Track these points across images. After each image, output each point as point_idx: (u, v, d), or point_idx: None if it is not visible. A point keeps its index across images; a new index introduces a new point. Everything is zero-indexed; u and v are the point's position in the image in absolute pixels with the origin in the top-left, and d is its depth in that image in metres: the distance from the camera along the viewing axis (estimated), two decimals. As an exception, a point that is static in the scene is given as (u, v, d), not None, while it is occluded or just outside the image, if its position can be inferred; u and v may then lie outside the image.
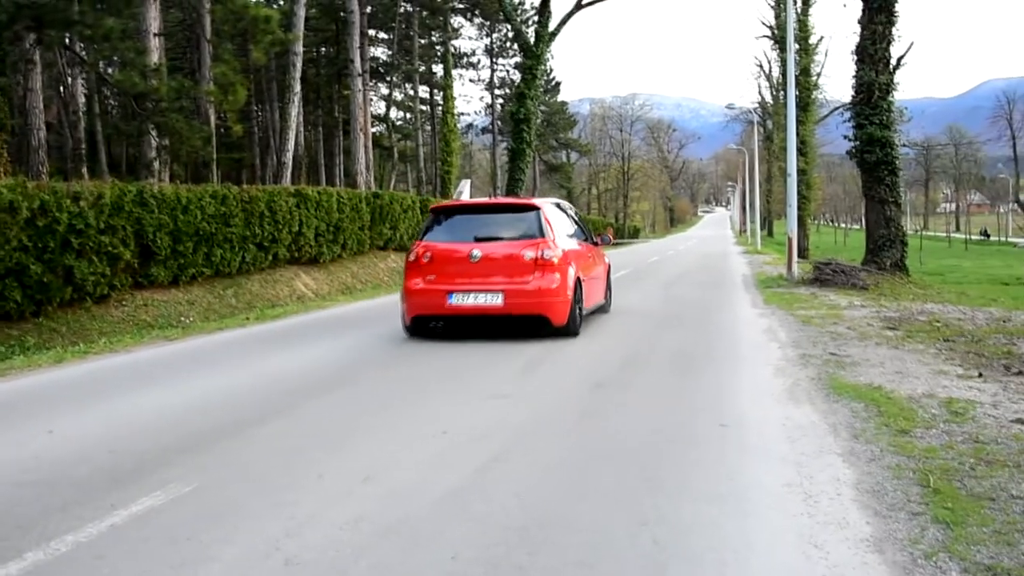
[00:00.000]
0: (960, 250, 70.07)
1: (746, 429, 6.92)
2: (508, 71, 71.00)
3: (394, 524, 4.83)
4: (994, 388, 8.34)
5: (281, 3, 43.81)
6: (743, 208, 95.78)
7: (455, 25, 62.30)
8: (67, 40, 21.58)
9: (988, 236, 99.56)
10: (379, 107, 59.13)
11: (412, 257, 12.59)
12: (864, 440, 6.48)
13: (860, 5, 22.74)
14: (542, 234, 12.31)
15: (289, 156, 28.37)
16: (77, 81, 33.52)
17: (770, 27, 55.68)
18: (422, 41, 57.07)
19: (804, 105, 45.45)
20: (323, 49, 54.48)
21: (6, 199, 12.85)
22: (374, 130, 50.88)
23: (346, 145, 45.77)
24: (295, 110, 29.11)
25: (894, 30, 22.53)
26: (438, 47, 59.18)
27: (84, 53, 26.81)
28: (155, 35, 21.63)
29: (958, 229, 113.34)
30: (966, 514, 4.86)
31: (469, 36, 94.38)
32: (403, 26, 52.92)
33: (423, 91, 60.78)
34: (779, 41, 49.39)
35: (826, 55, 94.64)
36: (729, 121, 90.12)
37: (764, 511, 4.99)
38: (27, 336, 13.29)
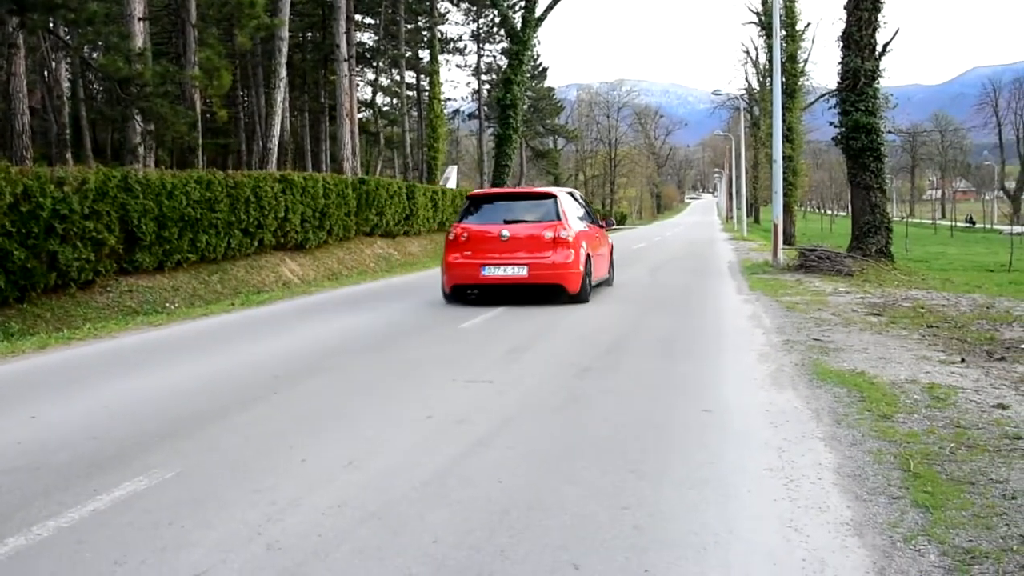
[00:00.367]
0: (945, 237, 70.27)
1: (729, 415, 6.94)
2: (495, 57, 70.88)
3: (376, 509, 4.83)
4: (976, 373, 8.39)
5: (266, -13, 43.59)
6: (730, 195, 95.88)
7: (441, 10, 62.13)
8: (51, 24, 21.40)
9: (973, 223, 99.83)
10: (365, 92, 58.94)
11: (451, 236, 14.95)
12: (846, 425, 6.51)
13: (846, -8, 22.77)
14: (559, 217, 14.81)
15: (275, 142, 28.25)
16: (61, 66, 33.32)
17: (757, 13, 55.65)
18: (408, 26, 56.82)
19: (791, 92, 45.45)
20: (309, 34, 54.19)
21: (-11, 184, 12.78)
22: (360, 116, 50.72)
23: (332, 131, 45.62)
24: (281, 95, 28.98)
25: (880, 17, 22.56)
26: (424, 32, 58.93)
27: (68, 37, 26.63)
28: (139, 19, 21.50)
29: (944, 216, 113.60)
30: (946, 498, 4.89)
31: (456, 21, 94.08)
32: (389, 11, 52.69)
33: (409, 77, 60.55)
34: (766, 27, 49.33)
35: (813, 42, 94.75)
36: (716, 108, 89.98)
37: (745, 496, 5.02)
38: (11, 322, 13.23)
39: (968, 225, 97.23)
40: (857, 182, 22.95)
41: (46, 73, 34.35)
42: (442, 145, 52.19)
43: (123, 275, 15.99)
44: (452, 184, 54.09)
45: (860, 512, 4.73)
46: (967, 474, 5.31)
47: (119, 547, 4.38)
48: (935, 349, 9.91)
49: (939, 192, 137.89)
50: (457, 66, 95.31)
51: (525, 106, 51.31)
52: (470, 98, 75.16)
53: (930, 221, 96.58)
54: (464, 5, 65.14)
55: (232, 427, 6.79)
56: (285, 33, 28.21)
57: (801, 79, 50.01)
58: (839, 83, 23.39)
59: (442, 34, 64.08)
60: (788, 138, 42.84)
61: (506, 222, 14.81)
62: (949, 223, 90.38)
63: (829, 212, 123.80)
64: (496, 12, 51.75)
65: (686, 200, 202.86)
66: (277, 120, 28.42)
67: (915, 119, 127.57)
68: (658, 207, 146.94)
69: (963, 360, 9.12)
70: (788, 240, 37.27)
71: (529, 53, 40.58)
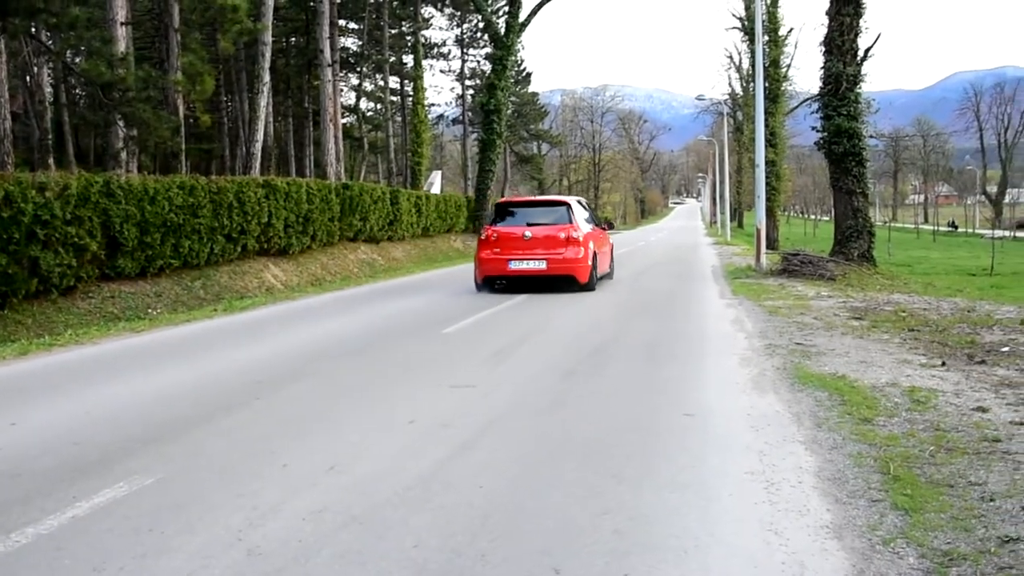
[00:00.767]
0: (928, 241, 70.64)
1: (711, 418, 6.97)
2: (479, 62, 70.72)
3: (358, 513, 4.84)
4: (956, 377, 8.43)
5: (250, -8, 43.53)
6: (714, 199, 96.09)
7: (425, 15, 61.96)
8: (32, 28, 21.33)
9: (956, 227, 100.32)
10: (349, 98, 58.81)
11: (483, 236, 18.18)
12: (827, 429, 6.54)
13: (828, -3, 22.87)
14: (571, 221, 17.86)
15: (258, 147, 28.16)
16: (43, 70, 33.15)
17: (740, 19, 55.73)
18: (392, 31, 56.66)
19: (774, 96, 45.59)
20: (293, 39, 54.06)
21: (-30, 190, 12.73)
22: (344, 121, 50.62)
23: (316, 136, 45.56)
24: (264, 100, 28.91)
25: (861, 22, 22.65)
26: (408, 37, 58.75)
27: (50, 42, 26.54)
28: (122, 24, 21.40)
29: (926, 220, 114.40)
30: (925, 500, 4.92)
31: (440, 26, 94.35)
32: (373, 16, 52.58)
33: (393, 82, 60.36)
34: (749, 33, 49.49)
35: (796, 47, 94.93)
36: (700, 112, 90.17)
37: (726, 499, 5.04)
38: (-8, 328, 13.17)
39: (950, 229, 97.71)
40: (839, 187, 23.02)
41: (28, 78, 34.15)
42: (426, 150, 52.10)
43: (105, 281, 15.92)
44: (436, 189, 54.10)
45: (840, 515, 4.75)
46: (946, 477, 5.35)
47: (98, 554, 4.37)
48: (916, 353, 9.96)
49: (921, 196, 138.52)
50: (441, 71, 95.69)
51: (509, 111, 51.26)
52: (454, 103, 75.03)
53: (913, 225, 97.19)
54: (448, 10, 64.96)
55: (214, 432, 6.78)
56: (268, 38, 28.14)
57: (784, 84, 50.15)
58: (821, 88, 23.46)
59: (426, 39, 63.99)
60: (771, 143, 42.96)
61: (528, 224, 17.85)
62: (931, 227, 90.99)
63: (812, 216, 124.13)
64: (480, 17, 51.76)
65: (670, 205, 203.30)
66: (260, 125, 28.34)
67: (897, 124, 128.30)
68: (642, 212, 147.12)
69: (944, 363, 9.17)
70: (771, 244, 37.37)
71: (513, 58, 40.66)
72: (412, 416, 7.07)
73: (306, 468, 5.72)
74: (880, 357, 9.67)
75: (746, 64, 61.47)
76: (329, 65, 33.56)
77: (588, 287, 17.80)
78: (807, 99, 50.70)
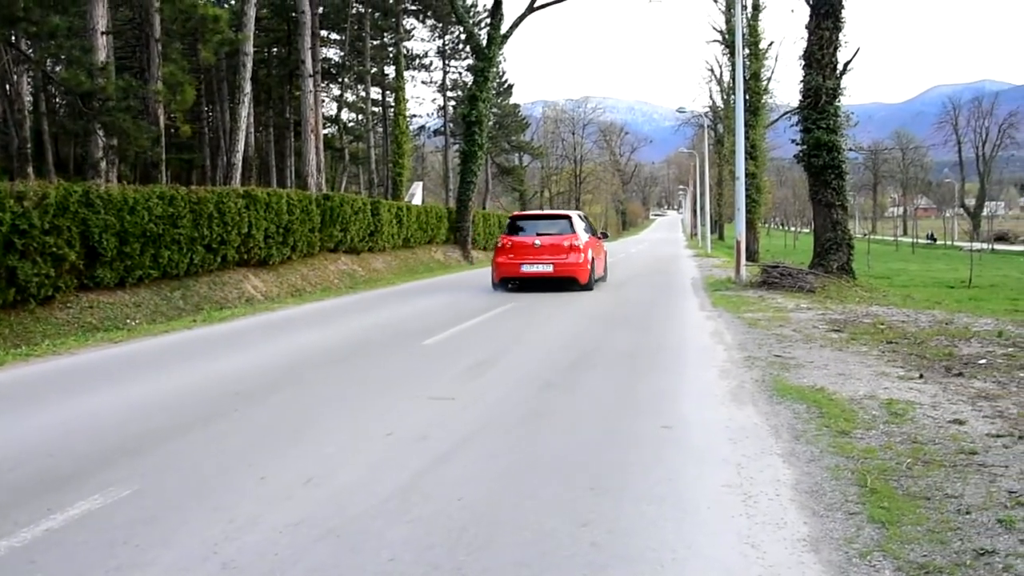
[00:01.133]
0: (907, 254, 70.92)
1: (689, 431, 6.97)
2: (460, 73, 70.92)
3: (335, 526, 4.82)
4: (934, 389, 8.47)
5: (231, 2, 43.49)
6: (694, 211, 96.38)
7: (407, 27, 62.01)
8: (12, 37, 21.24)
9: (934, 240, 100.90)
10: (331, 108, 58.71)
11: (500, 244, 21.57)
12: (805, 441, 6.56)
13: (808, 11, 22.97)
14: (573, 231, 21.00)
15: (239, 157, 28.10)
16: (23, 79, 32.95)
17: (721, 32, 56.02)
18: (374, 42, 56.70)
19: (754, 109, 45.77)
20: (274, 49, 53.97)
21: (-53, 199, 12.64)
22: (325, 131, 50.50)
23: (297, 146, 45.43)
24: (245, 111, 28.86)
25: (841, 36, 22.75)
26: (390, 49, 58.80)
27: (30, 50, 26.46)
28: (102, 33, 21.32)
29: (905, 233, 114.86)
30: (901, 513, 4.93)
31: (421, 38, 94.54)
32: (355, 27, 52.57)
33: (375, 93, 60.36)
34: (729, 46, 49.63)
35: (776, 60, 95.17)
36: (681, 125, 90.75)
37: (703, 512, 5.04)
38: (-32, 338, 13.08)
39: (929, 242, 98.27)
40: (819, 199, 23.10)
41: (7, 86, 33.96)
42: (407, 161, 52.14)
43: (84, 291, 15.83)
44: (417, 200, 54.06)
45: (817, 528, 4.76)
46: (923, 489, 5.36)
47: (72, 566, 4.35)
48: (894, 365, 9.99)
49: (900, 209, 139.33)
50: (423, 82, 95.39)
51: (491, 123, 51.37)
52: (435, 114, 75.19)
53: (892, 238, 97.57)
54: (430, 22, 65.02)
55: (191, 444, 6.74)
56: (250, 48, 28.12)
57: (764, 97, 50.34)
58: (801, 101, 23.55)
59: (408, 50, 64.07)
60: (751, 155, 43.11)
61: (537, 234, 21.07)
62: (910, 240, 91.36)
63: (792, 229, 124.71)
64: (462, 29, 51.82)
65: (651, 217, 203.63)
66: (241, 135, 28.29)
67: (877, 137, 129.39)
68: (623, 224, 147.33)
69: (921, 376, 9.21)
70: (751, 257, 37.50)
71: (494, 70, 40.61)
72: (390, 428, 7.05)
73: (283, 480, 5.69)
74: (858, 369, 9.70)
75: (727, 77, 61.85)
76: (311, 76, 33.52)
77: (587, 287, 21.02)
78: (787, 112, 50.71)
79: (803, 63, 23.11)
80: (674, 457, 6.23)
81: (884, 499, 5.17)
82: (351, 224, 28.75)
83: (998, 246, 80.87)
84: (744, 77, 29.50)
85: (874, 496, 5.23)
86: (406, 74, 57.21)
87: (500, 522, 4.87)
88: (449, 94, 69.98)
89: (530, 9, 39.01)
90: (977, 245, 64.02)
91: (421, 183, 64.77)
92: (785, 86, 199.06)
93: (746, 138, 30.99)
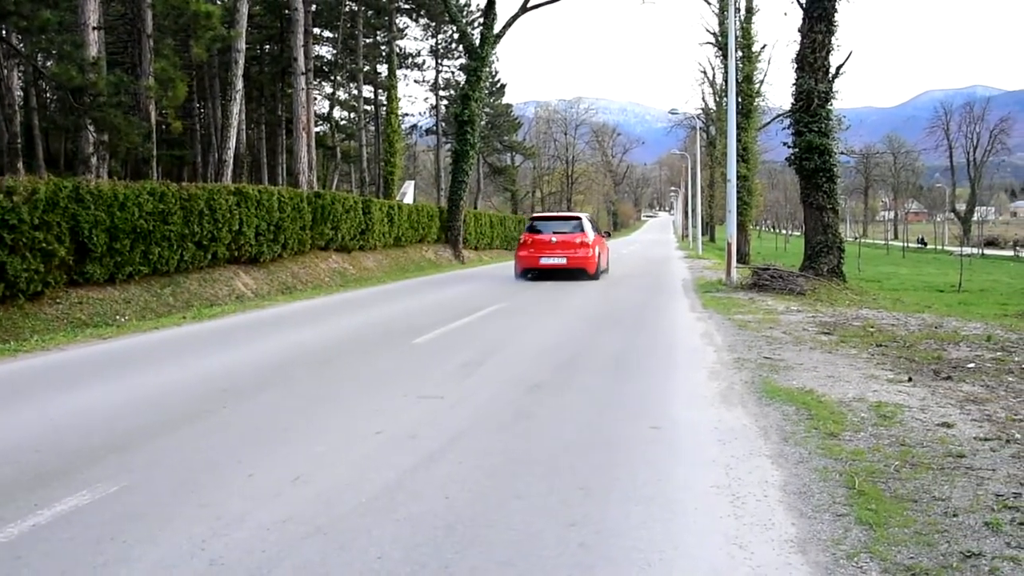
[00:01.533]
0: (897, 257, 71.17)
1: (678, 432, 6.98)
2: (453, 72, 70.84)
3: (322, 524, 4.81)
4: (923, 392, 8.49)
5: (224, -1, 43.41)
6: (686, 213, 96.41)
7: (400, 25, 62.02)
8: (2, 31, 21.17)
9: (925, 244, 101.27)
10: (323, 106, 58.73)
11: (521, 241, 25.42)
12: (793, 443, 6.56)
13: (801, 14, 23.02)
14: (583, 230, 24.81)
15: (231, 154, 28.07)
16: (13, 73, 32.89)
17: (714, 34, 55.99)
18: (367, 40, 56.64)
19: (746, 112, 45.79)
20: (267, 47, 53.87)
21: (-64, 193, 12.59)
22: (317, 129, 50.50)
23: (289, 144, 45.41)
24: (237, 108, 28.82)
25: (833, 39, 22.83)
26: (383, 47, 58.74)
27: (20, 45, 26.36)
28: (94, 28, 21.26)
29: (896, 237, 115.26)
30: (889, 515, 4.94)
31: (414, 37, 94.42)
32: (348, 25, 52.49)
33: (367, 91, 60.26)
34: (722, 48, 49.67)
35: (769, 63, 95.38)
36: (673, 126, 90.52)
37: (691, 513, 5.04)
38: (-44, 333, 13.03)
39: (920, 246, 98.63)
40: (810, 202, 23.16)
41: (-2, 81, 33.94)
42: (399, 160, 52.05)
43: (73, 287, 15.78)
44: (409, 199, 53.97)
45: (805, 529, 4.77)
46: (911, 492, 5.37)
47: (58, 563, 4.33)
48: (883, 368, 10.01)
49: (892, 213, 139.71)
50: (415, 81, 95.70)
51: (483, 122, 51.35)
52: (428, 113, 75.07)
53: (883, 242, 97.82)
54: (423, 21, 64.98)
55: (179, 441, 6.72)
56: (242, 45, 28.07)
57: (757, 100, 50.33)
58: (793, 104, 23.62)
59: (400, 49, 64.00)
60: (743, 158, 43.14)
61: (553, 232, 24.73)
62: (901, 244, 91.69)
63: (783, 231, 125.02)
64: (455, 28, 51.81)
65: (643, 218, 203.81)
66: (233, 132, 28.26)
67: (869, 141, 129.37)
68: (615, 225, 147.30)
69: (910, 379, 9.23)
70: (742, 259, 37.55)
71: (487, 69, 40.65)
72: (380, 427, 7.04)
73: (271, 478, 5.68)
74: (848, 372, 9.72)
75: (719, 79, 61.79)
76: (303, 73, 33.49)
77: (594, 277, 24.83)
78: (779, 115, 50.83)
79: (796, 66, 23.18)
80: (662, 458, 6.23)
81: (872, 501, 5.18)
82: (342, 222, 28.71)
83: (988, 251, 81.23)
84: (737, 79, 29.58)
85: (862, 498, 5.24)
86: (399, 73, 57.12)
87: (488, 522, 4.86)
88: (442, 93, 70.00)
89: (523, 9, 38.99)
90: (967, 250, 64.17)
91: (413, 182, 64.70)
92: (778, 89, 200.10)
93: (738, 140, 31.01)
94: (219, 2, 38.47)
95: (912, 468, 5.88)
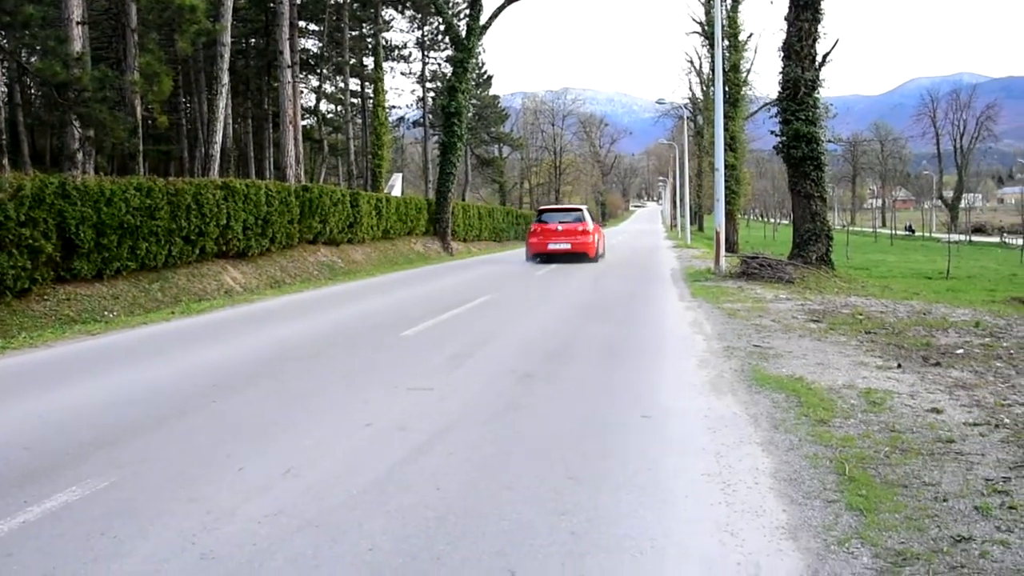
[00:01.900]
0: (886, 245, 71.36)
1: (668, 420, 6.98)
2: (440, 64, 70.55)
3: (313, 517, 4.81)
4: (912, 378, 8.51)
5: (209, -7, 43.14)
6: (674, 203, 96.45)
7: (386, 17, 61.74)
8: (-14, 28, 21.04)
9: (912, 231, 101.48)
10: (309, 99, 58.51)
11: (532, 229, 29.91)
12: (784, 430, 6.57)
13: (787, 2, 23.02)
14: (584, 220, 29.18)
15: (217, 148, 27.92)
16: (-2, 70, 32.80)
17: (700, 23, 55.92)
18: (353, 33, 56.42)
19: (733, 101, 45.78)
20: (252, 40, 53.60)
21: (-79, 190, 12.52)
22: (304, 123, 50.38)
23: (276, 138, 45.21)
24: (223, 102, 28.67)
25: (820, 27, 22.81)
26: (369, 39, 58.48)
27: (4, 40, 26.21)
28: (78, 23, 21.11)
29: (884, 224, 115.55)
30: (879, 501, 4.95)
31: (400, 29, 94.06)
32: (333, 18, 52.27)
33: (354, 84, 60.02)
34: (709, 37, 49.67)
35: (756, 52, 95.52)
36: (661, 116, 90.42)
37: (682, 501, 5.05)
38: (-57, 331, 12.97)
39: (907, 233, 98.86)
40: (798, 190, 23.17)
41: (-18, 78, 33.79)
42: (387, 153, 51.90)
43: (61, 283, 15.72)
44: (397, 192, 53.89)
45: (795, 516, 4.78)
46: (901, 477, 5.39)
47: (49, 559, 4.31)
48: (873, 355, 10.04)
49: (879, 201, 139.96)
50: (402, 73, 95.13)
51: (470, 114, 51.28)
52: (415, 105, 74.86)
53: (871, 229, 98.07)
54: (409, 12, 64.74)
55: (169, 436, 6.70)
56: (227, 39, 27.93)
57: (744, 88, 50.31)
58: (780, 93, 23.59)
59: (387, 41, 63.83)
60: (731, 147, 43.16)
61: (559, 222, 29.17)
62: (889, 231, 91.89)
63: (772, 220, 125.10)
64: (441, 20, 51.68)
65: (631, 208, 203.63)
66: (219, 127, 28.13)
67: (856, 129, 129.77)
68: (603, 215, 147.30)
69: (899, 365, 9.25)
70: (731, 248, 37.56)
71: (474, 61, 40.65)
72: (369, 419, 7.03)
73: (261, 472, 5.67)
74: (837, 359, 9.74)
75: (706, 68, 61.76)
76: (289, 67, 33.37)
77: (594, 260, 28.95)
78: (767, 104, 50.82)
79: (782, 54, 23.17)
80: (653, 446, 6.23)
81: (862, 487, 5.19)
82: (330, 215, 28.64)
83: (976, 238, 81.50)
84: (724, 68, 29.66)
85: (852, 484, 5.25)
86: (385, 65, 56.91)
87: (479, 512, 4.86)
88: (428, 85, 69.73)
89: (509, 0, 38.94)
90: (955, 237, 64.34)
91: (401, 174, 64.63)
92: (765, 78, 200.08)
93: (725, 130, 31.03)
94: (204, -4, 38.25)
95: (902, 454, 5.89)
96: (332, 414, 7.36)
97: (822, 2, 22.68)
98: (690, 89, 74.36)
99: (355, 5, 55.24)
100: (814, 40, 22.73)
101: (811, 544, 4.39)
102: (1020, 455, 5.83)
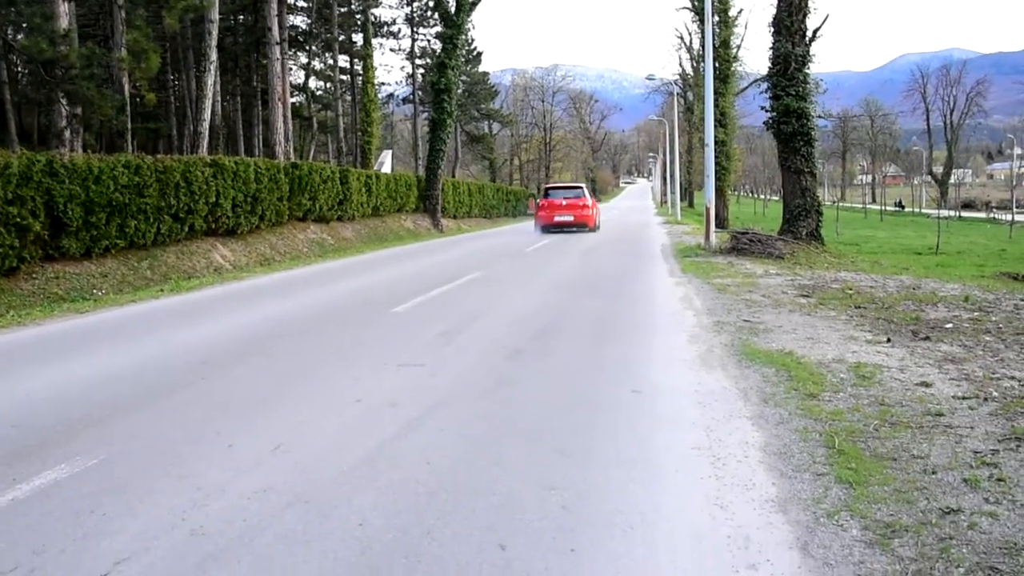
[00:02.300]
0: (876, 221, 71.44)
1: (658, 395, 6.99)
2: (429, 41, 70.17)
3: (303, 493, 4.80)
4: (901, 353, 8.52)
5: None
6: (664, 179, 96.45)
7: (375, -7, 61.57)
8: (-30, 5, 20.88)
9: (902, 207, 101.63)
10: (298, 76, 58.24)
11: (539, 204, 35.23)
12: (773, 404, 6.59)
13: (777, -23, 22.94)
14: (585, 195, 34.59)
15: (206, 126, 27.80)
16: (-16, 47, 32.54)
17: (690, -1, 55.85)
18: (341, 9, 56.10)
19: (724, 77, 45.69)
20: (241, 17, 53.20)
21: (-93, 168, 12.44)
22: (293, 100, 50.16)
23: (265, 115, 45.09)
24: (211, 79, 28.51)
25: (810, 2, 22.75)
26: (358, 16, 58.16)
27: (-10, 18, 26.00)
28: (64, 0, 21.03)
29: (874, 200, 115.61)
30: (869, 474, 4.97)
31: (389, 5, 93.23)
32: (322, -6, 52.14)
33: (343, 60, 59.72)
34: (699, 13, 49.48)
35: (746, 27, 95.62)
36: (651, 92, 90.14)
37: (672, 475, 5.06)
38: (-69, 309, 12.93)
39: (897, 209, 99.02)
40: (788, 166, 23.16)
41: (-32, 55, 33.50)
42: (376, 130, 51.75)
43: (49, 262, 15.66)
44: (387, 169, 53.72)
45: (785, 489, 4.79)
46: (890, 450, 5.40)
47: (38, 536, 4.30)
48: (862, 329, 10.06)
49: (869, 176, 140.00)
50: (391, 50, 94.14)
51: (460, 91, 51.04)
52: (404, 82, 74.39)
53: (861, 205, 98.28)
54: (398, -12, 64.53)
55: (158, 413, 6.69)
56: (215, 15, 27.74)
57: (734, 64, 50.18)
58: (771, 68, 23.53)
59: (376, 18, 63.39)
60: (721, 123, 43.14)
61: (564, 197, 34.19)
62: (879, 207, 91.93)
63: (762, 196, 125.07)
64: (430, -4, 51.41)
65: (621, 185, 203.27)
66: (208, 104, 27.98)
67: (846, 104, 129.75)
68: (593, 191, 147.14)
69: (889, 340, 9.27)
70: (721, 224, 37.60)
71: (463, 37, 40.39)
72: (359, 396, 7.03)
73: (251, 448, 5.66)
74: (827, 334, 9.76)
75: (696, 44, 61.64)
76: (278, 43, 33.23)
77: (594, 230, 33.98)
78: (757, 79, 50.78)
79: (772, 30, 23.10)
80: (643, 421, 6.24)
81: (852, 460, 5.20)
82: (320, 193, 28.56)
83: (965, 213, 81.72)
84: (714, 44, 29.59)
85: (842, 457, 5.26)
86: (374, 42, 56.59)
87: (469, 487, 4.86)
88: (418, 62, 69.41)
89: (499, -25, 38.76)
90: (944, 212, 64.53)
91: (390, 151, 64.35)
92: (755, 54, 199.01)
93: (716, 106, 31.07)
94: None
95: (891, 427, 5.91)
96: (322, 390, 7.35)
97: (812, -23, 22.61)
98: (680, 65, 74.14)
99: (344, -19, 54.95)
100: (804, 15, 22.67)
101: (800, 517, 4.40)
102: (1008, 428, 5.84)
